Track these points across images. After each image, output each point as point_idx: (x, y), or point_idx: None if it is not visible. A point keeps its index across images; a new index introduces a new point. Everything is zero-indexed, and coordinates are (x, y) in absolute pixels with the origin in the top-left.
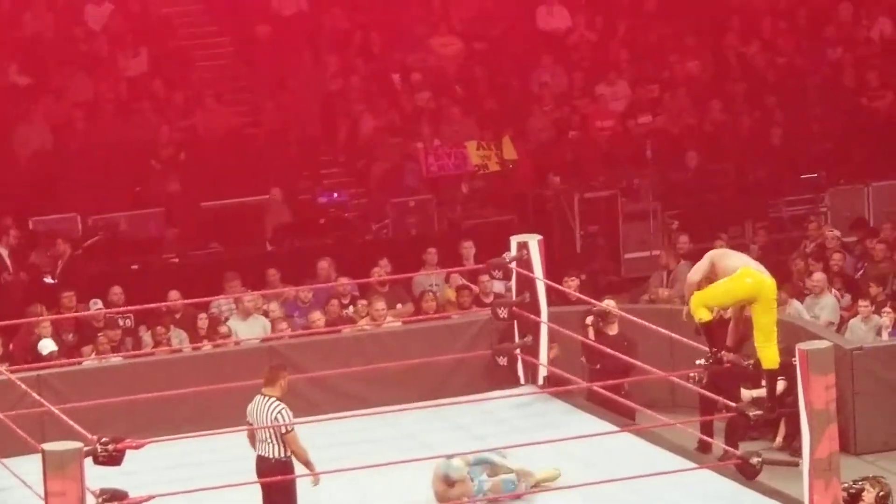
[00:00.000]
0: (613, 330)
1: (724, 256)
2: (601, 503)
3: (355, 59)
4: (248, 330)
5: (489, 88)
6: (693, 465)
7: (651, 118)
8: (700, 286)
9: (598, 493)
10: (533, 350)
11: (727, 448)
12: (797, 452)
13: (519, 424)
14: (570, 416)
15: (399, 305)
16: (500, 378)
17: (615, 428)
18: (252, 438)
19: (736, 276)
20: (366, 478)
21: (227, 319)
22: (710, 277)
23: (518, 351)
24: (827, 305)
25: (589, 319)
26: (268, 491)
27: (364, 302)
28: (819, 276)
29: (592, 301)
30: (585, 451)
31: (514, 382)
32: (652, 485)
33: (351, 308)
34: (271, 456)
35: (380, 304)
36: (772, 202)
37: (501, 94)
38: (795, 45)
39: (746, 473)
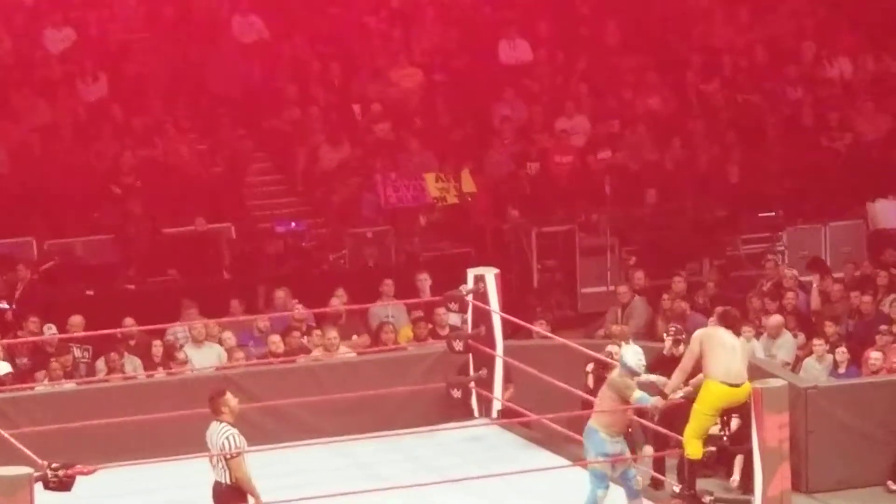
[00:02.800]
0: None
1: (711, 348)
2: None
3: (315, 89)
4: (203, 358)
5: (449, 121)
6: (647, 502)
7: (610, 153)
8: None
9: None
10: (487, 383)
11: (680, 485)
12: (751, 490)
13: (474, 457)
14: (525, 449)
15: (355, 336)
16: (455, 411)
17: (569, 462)
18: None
19: (700, 395)
20: None
21: (182, 347)
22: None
23: (472, 384)
24: (784, 345)
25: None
26: None
27: (319, 332)
28: (776, 319)
29: (553, 337)
30: (540, 486)
31: (468, 415)
32: None
33: (305, 339)
34: (224, 480)
35: (332, 333)
36: (729, 240)
37: (461, 127)
38: (755, 84)
39: None
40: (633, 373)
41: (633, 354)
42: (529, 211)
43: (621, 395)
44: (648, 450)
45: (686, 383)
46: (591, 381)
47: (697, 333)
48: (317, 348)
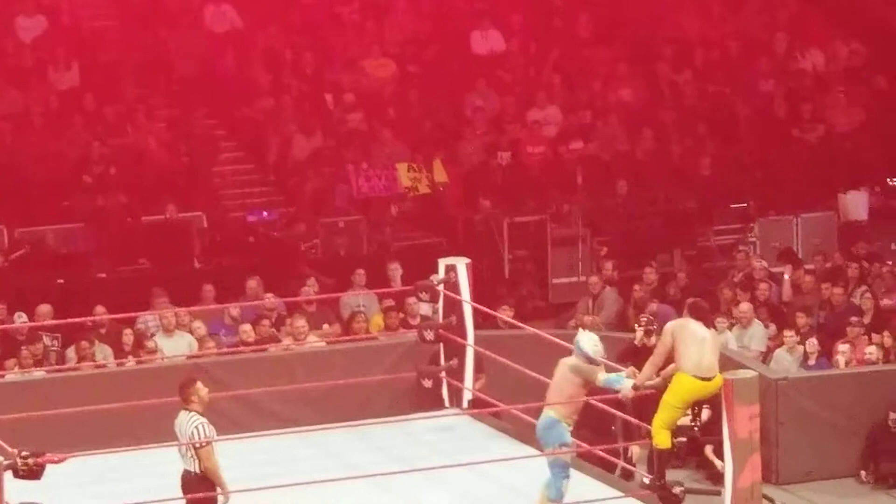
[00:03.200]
0: None
1: (682, 340)
2: None
3: (288, 79)
4: (174, 347)
5: (422, 111)
6: (618, 492)
7: (582, 144)
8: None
9: None
10: (458, 373)
11: (650, 476)
12: (720, 481)
13: (443, 447)
14: (494, 440)
15: (326, 326)
16: (425, 400)
17: (539, 453)
18: None
19: (670, 387)
20: (287, 496)
21: (152, 336)
22: (673, 351)
23: (443, 374)
24: (755, 335)
25: None
26: None
27: (289, 321)
28: (746, 307)
29: (524, 327)
30: (510, 476)
31: (439, 405)
32: None
33: (274, 329)
34: (193, 469)
35: (300, 322)
36: (701, 231)
37: (434, 117)
38: (727, 75)
39: (667, 501)
40: (588, 359)
41: (588, 340)
42: (501, 201)
43: (588, 378)
44: (636, 450)
45: (657, 374)
46: None
47: (669, 325)
48: (286, 337)
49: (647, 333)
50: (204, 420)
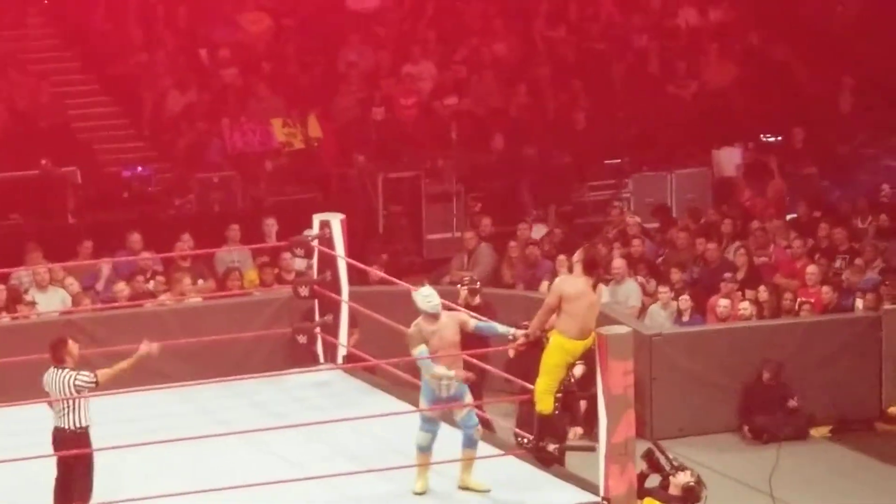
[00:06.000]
0: None
1: (567, 298)
2: (397, 482)
3: (162, 33)
4: (47, 303)
5: (297, 66)
6: (497, 451)
7: (457, 100)
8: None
9: (396, 473)
10: (333, 329)
11: (528, 437)
12: (596, 438)
13: (318, 403)
14: (369, 395)
15: (200, 281)
16: (300, 356)
17: (412, 408)
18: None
19: (551, 350)
20: (161, 452)
21: (26, 291)
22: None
23: (318, 330)
24: (630, 291)
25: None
26: (64, 462)
27: (163, 279)
28: (619, 262)
29: (396, 281)
30: (384, 431)
31: (314, 361)
32: (449, 466)
33: (152, 283)
34: (67, 426)
35: (186, 280)
36: (575, 187)
37: (308, 72)
38: (602, 31)
39: (544, 460)
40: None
41: (421, 299)
42: (376, 156)
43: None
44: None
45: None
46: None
47: (556, 285)
48: (164, 294)
49: (472, 293)
50: (77, 371)
